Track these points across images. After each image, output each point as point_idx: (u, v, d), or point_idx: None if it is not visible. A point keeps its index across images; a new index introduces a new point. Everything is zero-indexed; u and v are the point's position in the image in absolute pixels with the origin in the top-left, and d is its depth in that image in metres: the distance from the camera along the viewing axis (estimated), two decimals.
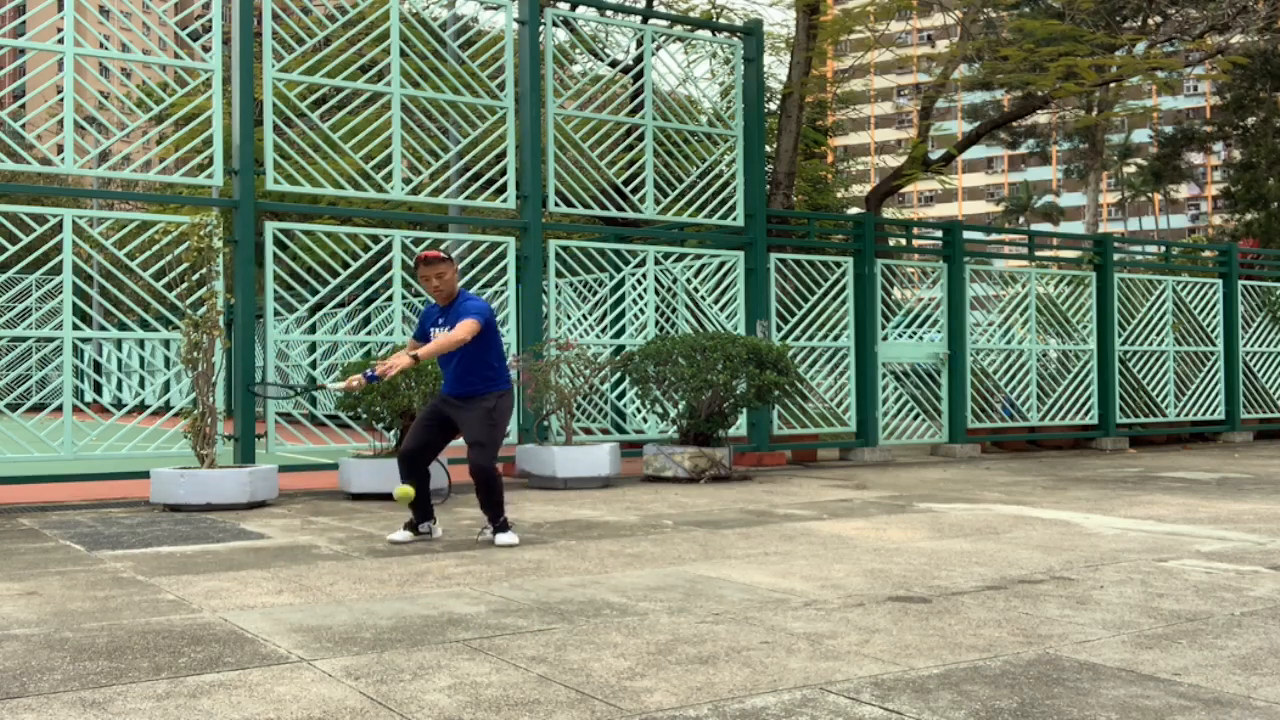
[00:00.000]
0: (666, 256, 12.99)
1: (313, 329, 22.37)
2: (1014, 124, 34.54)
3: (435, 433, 6.93)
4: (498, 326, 6.82)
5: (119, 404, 28.44)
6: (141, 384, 27.36)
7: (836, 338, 13.66)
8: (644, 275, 12.52)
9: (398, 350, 9.68)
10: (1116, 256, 16.17)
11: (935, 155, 19.80)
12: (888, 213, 49.79)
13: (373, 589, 5.34)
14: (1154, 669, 3.83)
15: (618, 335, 13.08)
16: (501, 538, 6.79)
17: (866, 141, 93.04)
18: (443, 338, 6.63)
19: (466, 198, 12.00)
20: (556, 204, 11.84)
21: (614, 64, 18.89)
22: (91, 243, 20.90)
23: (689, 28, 16.96)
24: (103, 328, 25.33)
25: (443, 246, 11.01)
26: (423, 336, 6.95)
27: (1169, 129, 49.38)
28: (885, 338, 14.02)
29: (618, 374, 11.93)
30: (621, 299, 13.34)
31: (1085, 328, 15.56)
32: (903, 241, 16.08)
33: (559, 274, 14.77)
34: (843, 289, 13.68)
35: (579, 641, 4.25)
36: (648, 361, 10.87)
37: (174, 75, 11.30)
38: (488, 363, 6.78)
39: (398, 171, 10.80)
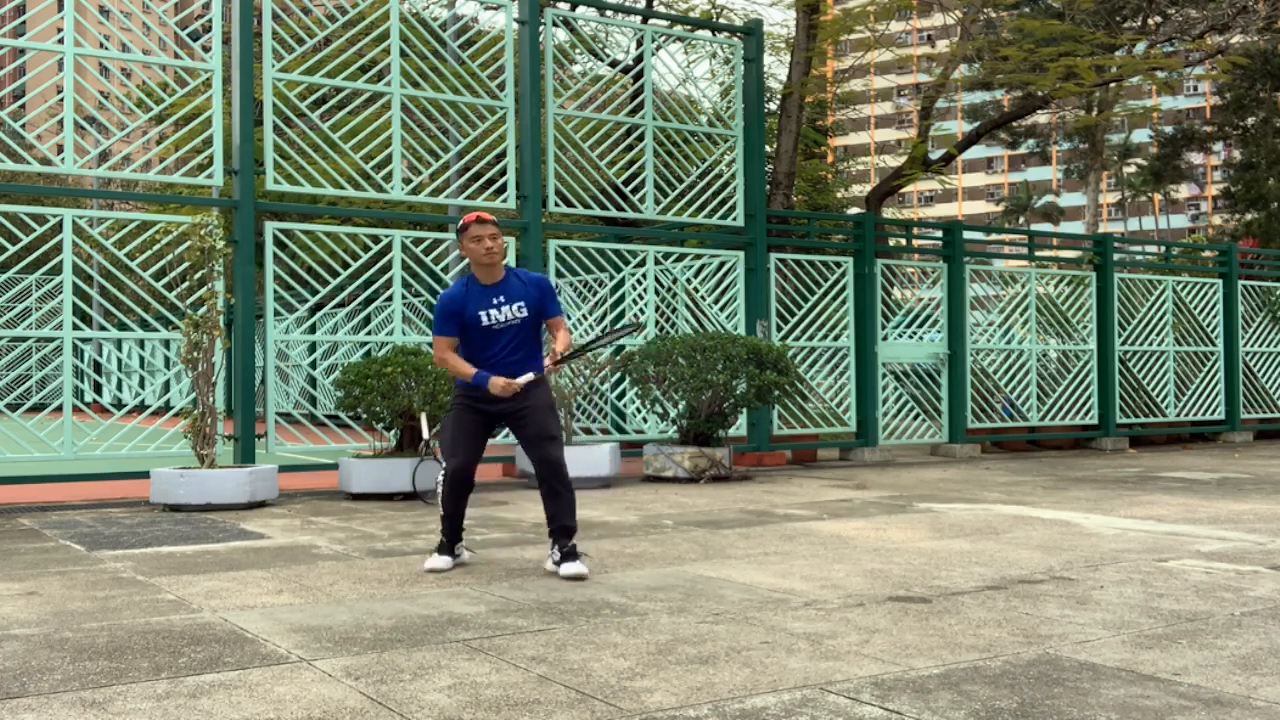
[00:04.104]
0: (666, 256, 12.99)
1: (313, 329, 22.37)
2: (1014, 124, 34.51)
3: (484, 440, 5.84)
4: None
5: (119, 404, 28.45)
6: (141, 384, 27.37)
7: (836, 338, 13.66)
8: (644, 275, 12.52)
9: (407, 350, 9.68)
10: (1116, 256, 16.17)
11: (935, 155, 19.79)
12: (888, 213, 49.78)
13: (373, 589, 5.33)
14: (1154, 669, 3.83)
15: None
16: (572, 567, 5.59)
17: (866, 141, 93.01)
18: (566, 330, 5.79)
19: (466, 198, 12.00)
20: (556, 204, 11.84)
21: (614, 64, 18.88)
22: (91, 243, 20.92)
23: (689, 28, 16.95)
24: (103, 328, 25.34)
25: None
26: (475, 321, 5.63)
27: (1169, 129, 49.34)
28: (885, 338, 14.02)
29: (618, 374, 11.93)
30: (621, 299, 13.34)
31: (1085, 328, 15.56)
32: (903, 241, 16.08)
33: (559, 274, 14.77)
34: (843, 289, 13.68)
35: (579, 641, 4.25)
36: (648, 361, 10.88)
37: (174, 75, 11.30)
38: (539, 342, 5.79)
39: (398, 171, 10.80)
